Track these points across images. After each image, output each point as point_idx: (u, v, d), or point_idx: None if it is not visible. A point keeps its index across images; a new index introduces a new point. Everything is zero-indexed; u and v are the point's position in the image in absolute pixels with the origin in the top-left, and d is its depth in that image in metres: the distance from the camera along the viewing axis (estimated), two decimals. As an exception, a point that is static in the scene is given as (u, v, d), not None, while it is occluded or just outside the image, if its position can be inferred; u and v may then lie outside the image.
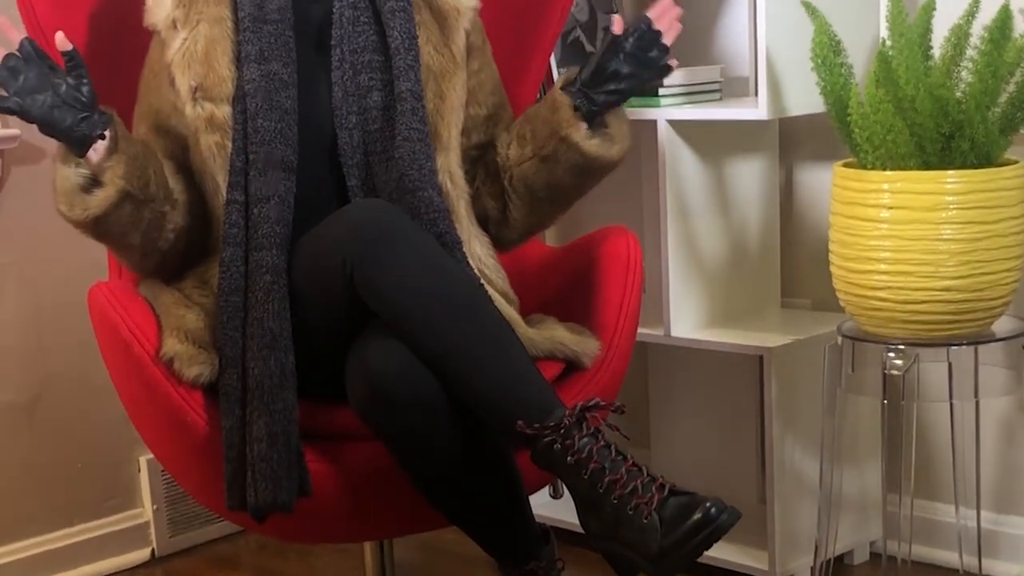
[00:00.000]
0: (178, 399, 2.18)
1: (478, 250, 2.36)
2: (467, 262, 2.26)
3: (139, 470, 3.06)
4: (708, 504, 1.91)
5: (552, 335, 2.32)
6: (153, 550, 3.07)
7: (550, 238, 3.12)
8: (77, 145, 2.10)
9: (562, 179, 2.36)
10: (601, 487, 1.97)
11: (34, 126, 2.07)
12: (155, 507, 3.06)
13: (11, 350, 2.86)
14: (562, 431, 1.99)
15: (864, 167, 2.34)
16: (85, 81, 2.08)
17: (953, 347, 2.34)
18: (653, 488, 1.95)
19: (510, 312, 2.29)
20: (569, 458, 1.99)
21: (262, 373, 2.11)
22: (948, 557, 2.76)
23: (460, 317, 2.07)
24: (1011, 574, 2.71)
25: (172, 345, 2.19)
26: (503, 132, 2.42)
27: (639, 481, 1.96)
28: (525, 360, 2.09)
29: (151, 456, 2.98)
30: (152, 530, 3.07)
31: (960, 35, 2.32)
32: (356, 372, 2.10)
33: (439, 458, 2.10)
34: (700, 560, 1.98)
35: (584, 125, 2.29)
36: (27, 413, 2.88)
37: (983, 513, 2.68)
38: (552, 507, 2.81)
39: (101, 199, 2.13)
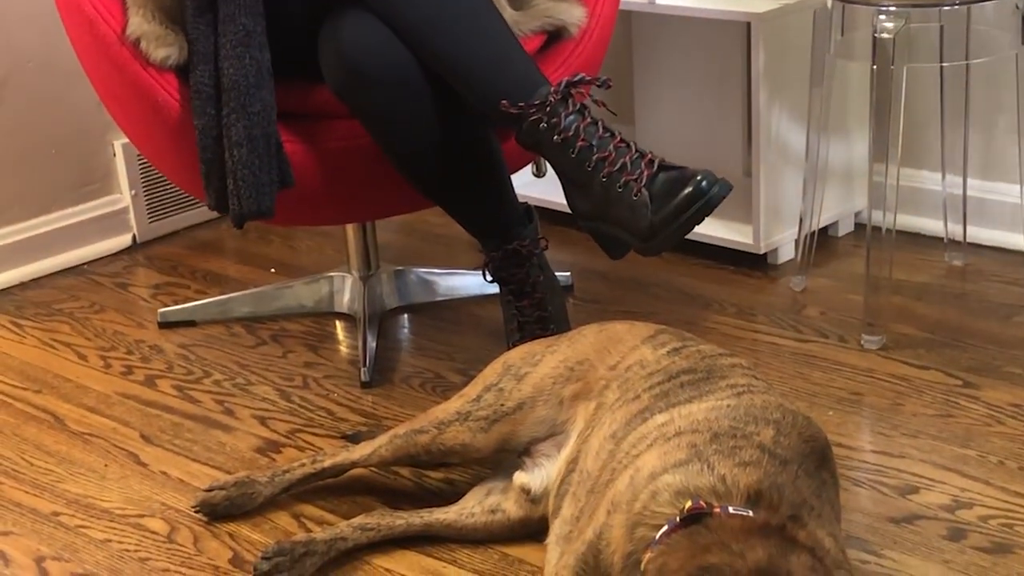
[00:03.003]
0: (149, 80, 2.12)
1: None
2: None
3: (115, 155, 3.01)
4: (699, 177, 1.88)
5: (536, 9, 2.25)
6: (134, 236, 3.06)
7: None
8: None
9: None
10: (589, 165, 1.93)
11: None
12: (133, 192, 3.03)
13: (-29, 34, 2.77)
14: (548, 109, 1.94)
15: None
16: None
17: (945, 8, 2.28)
18: (642, 164, 1.92)
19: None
20: (555, 137, 1.94)
21: (237, 72, 2.04)
22: (933, 226, 2.77)
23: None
24: (995, 240, 2.72)
25: (138, 24, 2.11)
26: None
27: (627, 158, 1.92)
28: (508, 37, 2.02)
29: (126, 140, 2.93)
30: (131, 215, 3.05)
31: None
32: (329, 47, 2.04)
33: (415, 134, 2.07)
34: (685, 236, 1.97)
35: None
36: (-6, 99, 2.82)
37: (969, 180, 2.67)
38: (535, 186, 2.79)
39: None
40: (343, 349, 2.51)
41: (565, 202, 2.03)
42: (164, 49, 2.10)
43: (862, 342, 2.37)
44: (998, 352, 2.31)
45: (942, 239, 2.72)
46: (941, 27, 2.31)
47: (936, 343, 2.36)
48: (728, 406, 1.55)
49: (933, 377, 2.24)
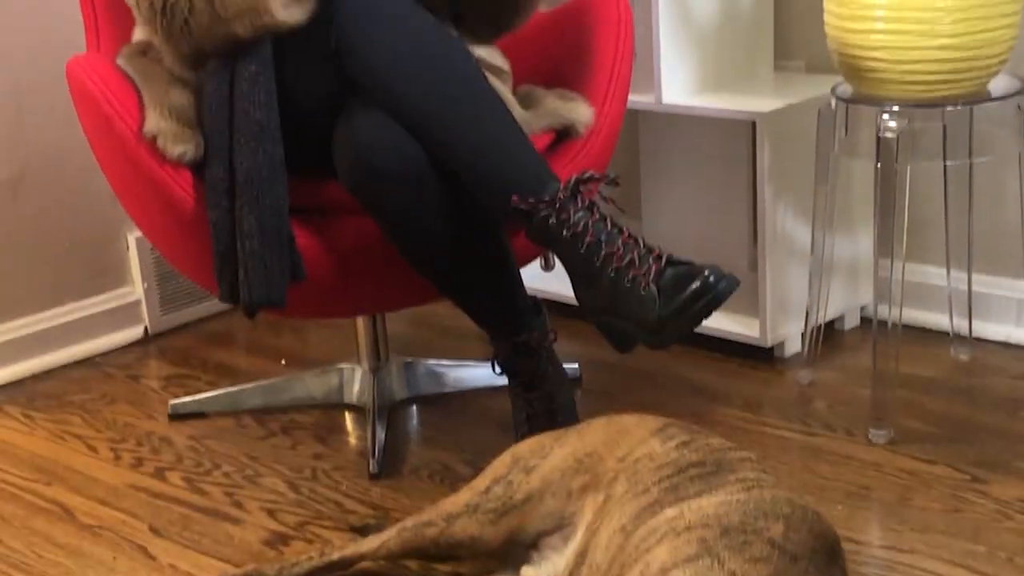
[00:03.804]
0: (164, 176, 2.15)
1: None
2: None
3: (128, 248, 3.04)
4: (706, 272, 1.90)
5: (545, 109, 2.29)
6: (146, 328, 3.08)
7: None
8: None
9: None
10: (598, 260, 1.96)
11: None
12: (146, 285, 3.06)
13: (-10, 127, 2.82)
14: (557, 205, 1.97)
15: (861, -80, 2.27)
16: None
17: (948, 107, 2.31)
18: (650, 259, 1.94)
19: (503, 91, 2.24)
20: (565, 232, 1.97)
21: (250, 166, 2.07)
22: (938, 320, 2.78)
23: (451, 90, 2.03)
24: (1000, 335, 2.74)
25: (155, 121, 2.14)
26: None
27: (636, 253, 1.95)
28: (518, 134, 2.05)
29: (139, 234, 2.97)
30: (144, 308, 3.07)
31: None
32: (344, 144, 2.07)
33: (427, 230, 2.09)
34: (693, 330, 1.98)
35: None
36: (11, 191, 2.85)
37: (974, 275, 2.69)
38: (544, 279, 2.81)
39: None
40: (352, 440, 2.52)
41: (573, 295, 2.05)
42: (181, 146, 2.14)
43: (870, 436, 2.37)
44: (1006, 447, 2.31)
45: (948, 333, 2.73)
46: (944, 126, 2.34)
47: (944, 437, 2.36)
48: (738, 500, 1.55)
49: (941, 472, 2.25)
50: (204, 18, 2.09)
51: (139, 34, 2.34)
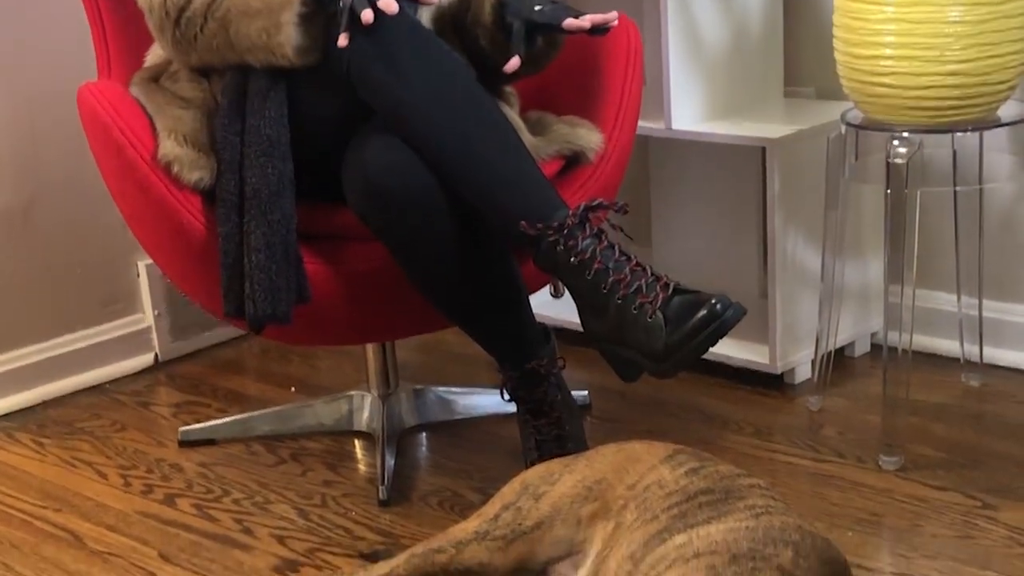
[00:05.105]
0: (174, 202, 2.16)
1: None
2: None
3: (138, 275, 3.05)
4: (713, 300, 1.90)
5: (555, 135, 2.30)
6: (156, 355, 3.08)
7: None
8: None
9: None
10: (605, 288, 1.96)
11: None
12: (156, 312, 3.07)
13: (3, 153, 2.82)
14: (565, 231, 1.97)
15: (870, -52, 2.27)
16: None
17: (958, 133, 2.31)
18: (657, 287, 1.94)
19: (512, 116, 2.25)
20: (572, 259, 1.97)
21: (259, 181, 2.08)
22: (949, 346, 2.78)
23: (461, 115, 2.04)
24: (1011, 361, 2.73)
25: (171, 148, 2.16)
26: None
27: (643, 280, 1.95)
28: (527, 160, 2.06)
29: (150, 261, 2.97)
30: (154, 335, 3.08)
31: None
32: (353, 169, 2.08)
33: (437, 256, 2.09)
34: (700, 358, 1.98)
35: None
36: (22, 217, 2.86)
37: (985, 301, 2.68)
38: (553, 306, 2.81)
39: None
40: (362, 467, 2.52)
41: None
42: (197, 172, 2.15)
43: (880, 462, 2.36)
44: (1017, 473, 2.31)
45: (959, 360, 2.72)
46: (954, 152, 2.34)
47: (954, 464, 2.36)
48: (747, 527, 1.55)
49: (952, 498, 2.24)
50: (216, 40, 2.11)
51: (151, 58, 2.36)
